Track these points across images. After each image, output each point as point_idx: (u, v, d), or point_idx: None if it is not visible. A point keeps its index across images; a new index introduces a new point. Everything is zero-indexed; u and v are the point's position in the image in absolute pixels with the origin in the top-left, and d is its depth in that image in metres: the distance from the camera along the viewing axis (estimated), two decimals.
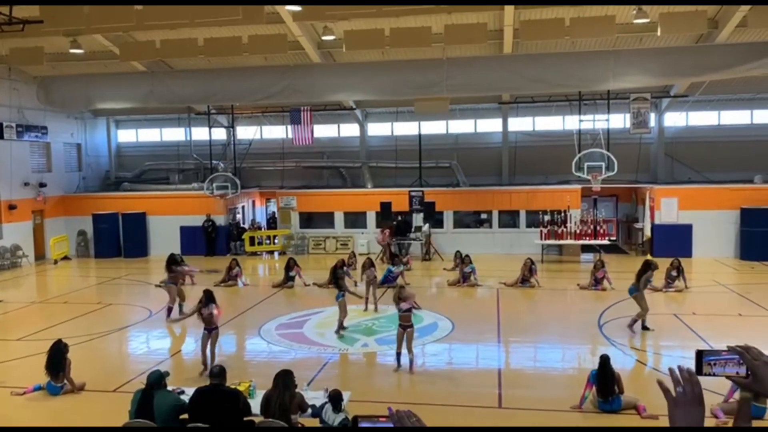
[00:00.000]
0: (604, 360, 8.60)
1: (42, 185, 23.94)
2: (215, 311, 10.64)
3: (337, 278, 13.68)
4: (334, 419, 6.84)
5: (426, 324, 13.74)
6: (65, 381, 9.77)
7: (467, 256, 18.22)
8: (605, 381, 8.47)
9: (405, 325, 10.52)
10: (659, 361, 11.29)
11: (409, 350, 10.52)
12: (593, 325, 13.34)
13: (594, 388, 8.58)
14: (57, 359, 9.67)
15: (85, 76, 22.07)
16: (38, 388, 9.82)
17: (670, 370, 1.99)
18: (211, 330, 10.63)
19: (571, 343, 12.43)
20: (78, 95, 22.63)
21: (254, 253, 24.34)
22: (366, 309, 14.99)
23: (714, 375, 2.10)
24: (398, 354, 10.62)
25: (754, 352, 2.03)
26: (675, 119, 25.27)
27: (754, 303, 15.03)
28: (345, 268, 17.65)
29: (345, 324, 13.01)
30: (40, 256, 23.91)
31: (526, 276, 17.53)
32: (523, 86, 20.53)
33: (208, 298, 10.76)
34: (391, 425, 1.94)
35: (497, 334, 12.94)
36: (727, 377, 2.08)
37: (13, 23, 16.12)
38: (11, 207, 22.48)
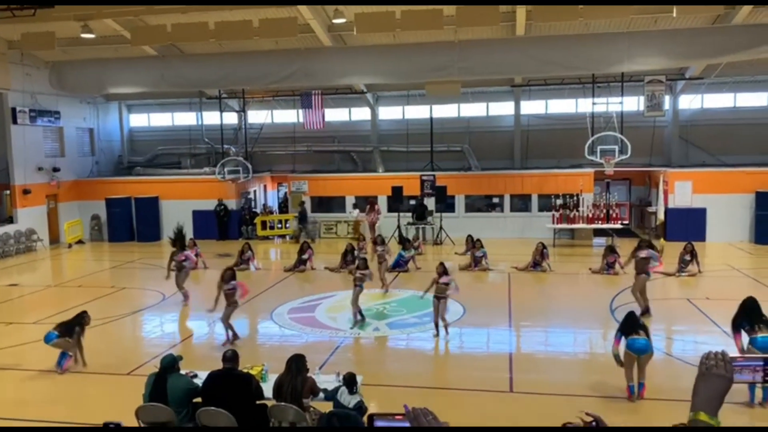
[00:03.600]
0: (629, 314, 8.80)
1: (55, 170, 24.10)
2: (238, 288, 11.46)
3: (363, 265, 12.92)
4: (350, 401, 6.88)
5: None
6: (71, 352, 10.12)
7: (478, 240, 18.18)
8: (631, 324, 8.47)
9: (440, 296, 11.38)
10: (671, 346, 11.25)
11: (443, 318, 11.48)
12: (605, 309, 13.30)
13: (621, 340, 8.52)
14: (71, 323, 10.16)
15: (96, 60, 22.11)
16: (64, 357, 10.11)
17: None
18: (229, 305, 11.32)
19: (582, 328, 12.41)
20: (90, 80, 22.69)
21: (266, 238, 24.43)
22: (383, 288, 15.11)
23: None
24: (436, 323, 11.55)
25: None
26: (690, 102, 24.94)
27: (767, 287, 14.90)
28: (356, 252, 17.78)
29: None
30: (54, 240, 24.14)
31: (538, 260, 17.49)
32: (535, 69, 20.32)
33: (231, 276, 11.51)
34: (407, 424, 1.94)
35: (508, 319, 12.93)
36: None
37: (25, 7, 16.15)
38: (25, 192, 22.67)
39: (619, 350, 8.48)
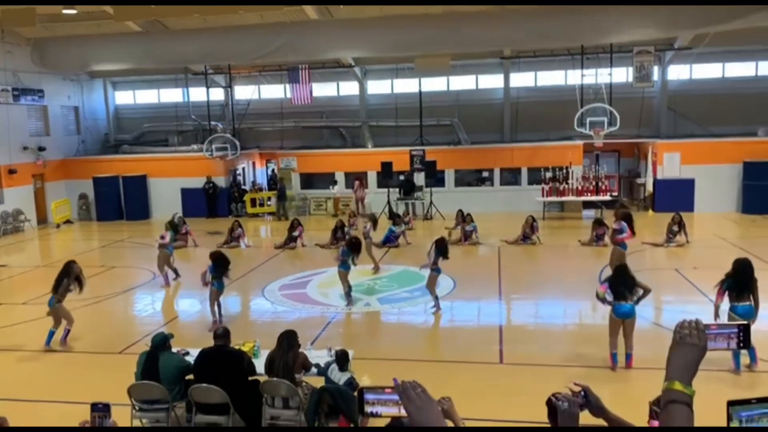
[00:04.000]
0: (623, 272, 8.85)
1: (41, 149, 23.82)
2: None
3: (352, 246, 12.36)
4: (340, 378, 6.92)
5: None
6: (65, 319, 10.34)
7: (469, 214, 18.22)
8: (622, 285, 8.57)
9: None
10: (660, 316, 11.37)
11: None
12: (594, 280, 13.36)
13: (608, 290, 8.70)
14: (59, 277, 10.32)
15: (79, 37, 21.72)
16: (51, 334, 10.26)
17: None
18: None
19: (572, 299, 12.52)
20: (73, 57, 22.33)
21: (255, 215, 24.35)
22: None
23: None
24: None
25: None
26: (678, 72, 24.91)
27: (755, 256, 15.03)
28: (346, 229, 17.79)
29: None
30: (42, 220, 23.96)
31: (528, 233, 17.57)
32: (525, 41, 20.20)
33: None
34: (396, 397, 1.94)
35: (498, 292, 13.02)
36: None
37: None
38: (11, 171, 22.42)
39: (606, 295, 8.66)
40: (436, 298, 11.70)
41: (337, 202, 24.20)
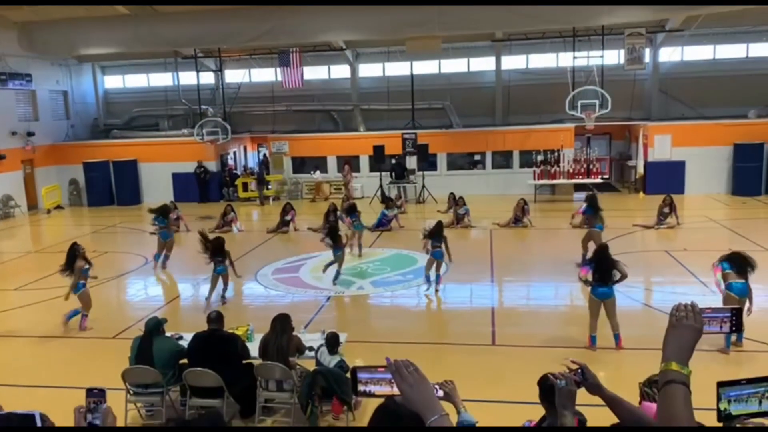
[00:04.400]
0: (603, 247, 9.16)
1: (30, 134, 23.61)
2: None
3: (334, 231, 12.79)
4: (330, 361, 6.94)
5: (420, 266, 13.84)
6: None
7: (461, 198, 18.25)
8: (603, 266, 8.69)
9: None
10: (650, 297, 11.48)
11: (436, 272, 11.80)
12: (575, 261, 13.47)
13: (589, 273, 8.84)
14: (68, 260, 10.42)
15: (67, 20, 21.40)
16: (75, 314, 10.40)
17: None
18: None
19: (563, 281, 12.59)
20: (61, 40, 22.00)
21: (247, 199, 24.30)
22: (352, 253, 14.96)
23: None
24: (427, 276, 11.88)
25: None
26: (670, 54, 24.90)
27: (744, 238, 15.19)
28: (338, 213, 17.77)
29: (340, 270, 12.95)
30: (32, 205, 23.81)
31: (519, 216, 17.63)
32: (516, 22, 20.05)
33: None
34: (389, 376, 1.97)
35: (490, 274, 13.09)
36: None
37: None
38: (0, 157, 22.23)
39: (588, 277, 8.81)
40: (427, 278, 11.84)
41: (318, 187, 24.18)
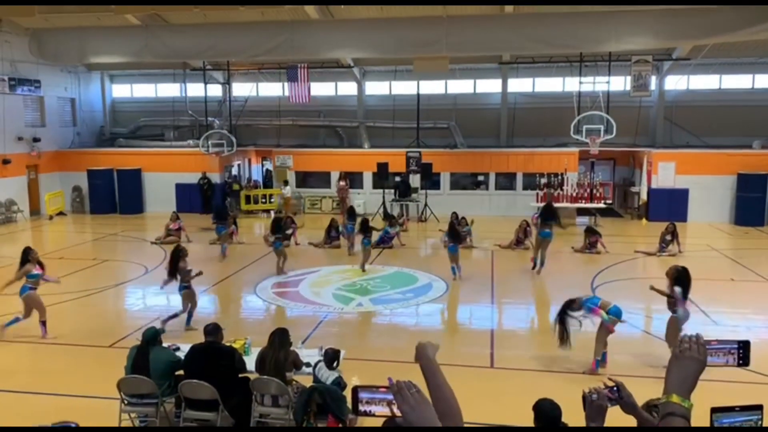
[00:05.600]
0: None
1: (36, 140, 23.72)
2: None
3: (366, 224, 15.39)
4: (328, 377, 6.89)
5: (421, 284, 13.86)
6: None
7: (463, 218, 18.24)
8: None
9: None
10: (650, 324, 11.41)
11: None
12: (586, 287, 13.42)
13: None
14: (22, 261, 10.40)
15: (78, 29, 21.62)
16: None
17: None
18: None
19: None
20: (71, 48, 22.20)
21: (250, 212, 24.31)
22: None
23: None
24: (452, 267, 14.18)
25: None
26: (676, 82, 25.02)
27: (746, 268, 15.14)
28: (340, 228, 17.80)
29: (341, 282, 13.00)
30: (35, 211, 23.85)
31: (521, 238, 17.60)
32: (524, 46, 20.20)
33: None
34: (390, 396, 1.94)
35: (491, 296, 13.03)
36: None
37: None
38: (5, 161, 22.31)
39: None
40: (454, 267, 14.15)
41: (288, 202, 24.19)
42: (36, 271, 10.32)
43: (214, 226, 17.56)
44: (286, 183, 24.71)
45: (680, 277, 9.09)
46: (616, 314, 8.74)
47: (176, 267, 10.70)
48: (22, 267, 10.32)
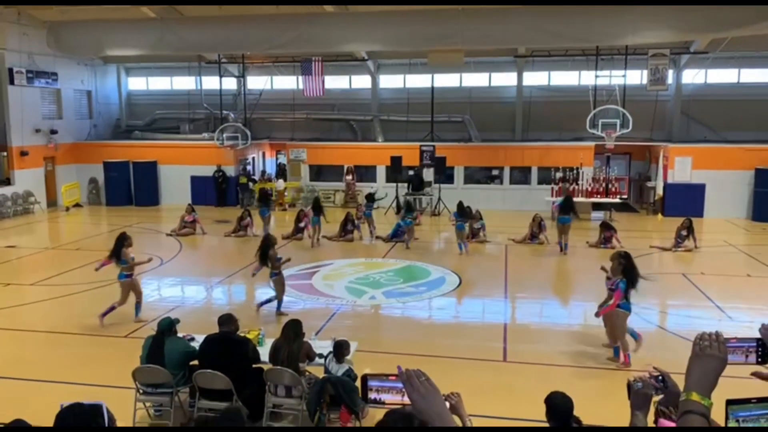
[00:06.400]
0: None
1: (53, 132, 23.95)
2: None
3: (409, 204, 17.84)
4: (338, 370, 6.89)
5: (434, 278, 13.86)
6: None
7: (477, 211, 18.18)
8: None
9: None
10: (665, 320, 11.34)
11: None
12: (600, 283, 13.31)
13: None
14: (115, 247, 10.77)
15: (95, 21, 21.76)
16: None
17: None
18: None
19: (576, 300, 12.49)
20: (88, 41, 22.36)
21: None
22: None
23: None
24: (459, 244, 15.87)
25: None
26: (693, 76, 24.73)
27: (763, 264, 14.98)
28: (356, 222, 17.85)
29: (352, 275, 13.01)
30: (51, 202, 24.11)
31: (535, 232, 17.52)
32: (540, 40, 20.07)
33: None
34: (400, 385, 1.95)
35: (504, 290, 13.00)
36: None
37: None
38: (23, 153, 22.56)
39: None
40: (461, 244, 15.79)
41: (281, 194, 24.29)
42: (131, 255, 10.73)
43: (256, 209, 19.22)
44: (279, 176, 24.91)
45: (627, 269, 8.82)
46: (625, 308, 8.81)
47: (266, 255, 11.07)
48: (116, 253, 10.61)
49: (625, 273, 8.72)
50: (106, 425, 2.53)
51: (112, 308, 10.51)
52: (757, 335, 2.18)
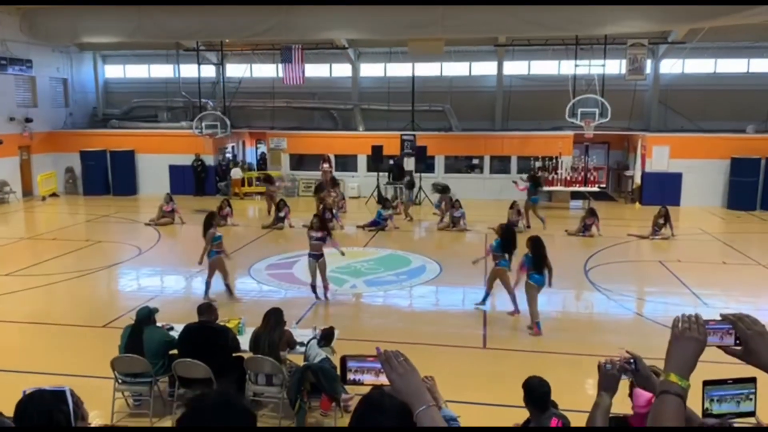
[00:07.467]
0: (536, 241, 9.99)
1: (28, 120, 23.53)
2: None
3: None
4: (316, 356, 6.85)
5: (415, 267, 13.91)
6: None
7: (457, 200, 18.25)
8: (539, 258, 9.83)
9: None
10: (642, 307, 11.51)
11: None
12: (579, 270, 13.51)
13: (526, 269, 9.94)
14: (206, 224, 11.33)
15: (70, 8, 21.33)
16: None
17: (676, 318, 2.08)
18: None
19: (555, 288, 12.58)
20: (63, 28, 21.95)
21: (244, 194, 24.24)
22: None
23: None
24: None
25: (747, 322, 2.05)
26: (671, 66, 24.97)
27: (738, 251, 15.25)
28: (335, 211, 17.80)
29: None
30: (27, 192, 23.73)
31: (514, 220, 17.61)
32: (519, 28, 20.12)
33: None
34: (378, 365, 1.97)
35: (484, 278, 13.06)
36: (718, 347, 2.09)
37: None
38: None
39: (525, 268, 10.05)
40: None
41: (237, 184, 24.27)
42: (217, 234, 11.11)
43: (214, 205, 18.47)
44: (236, 164, 24.82)
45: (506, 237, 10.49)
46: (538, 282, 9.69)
47: (206, 232, 11.18)
48: (206, 233, 11.04)
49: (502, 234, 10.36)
50: (71, 412, 2.36)
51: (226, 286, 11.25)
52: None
